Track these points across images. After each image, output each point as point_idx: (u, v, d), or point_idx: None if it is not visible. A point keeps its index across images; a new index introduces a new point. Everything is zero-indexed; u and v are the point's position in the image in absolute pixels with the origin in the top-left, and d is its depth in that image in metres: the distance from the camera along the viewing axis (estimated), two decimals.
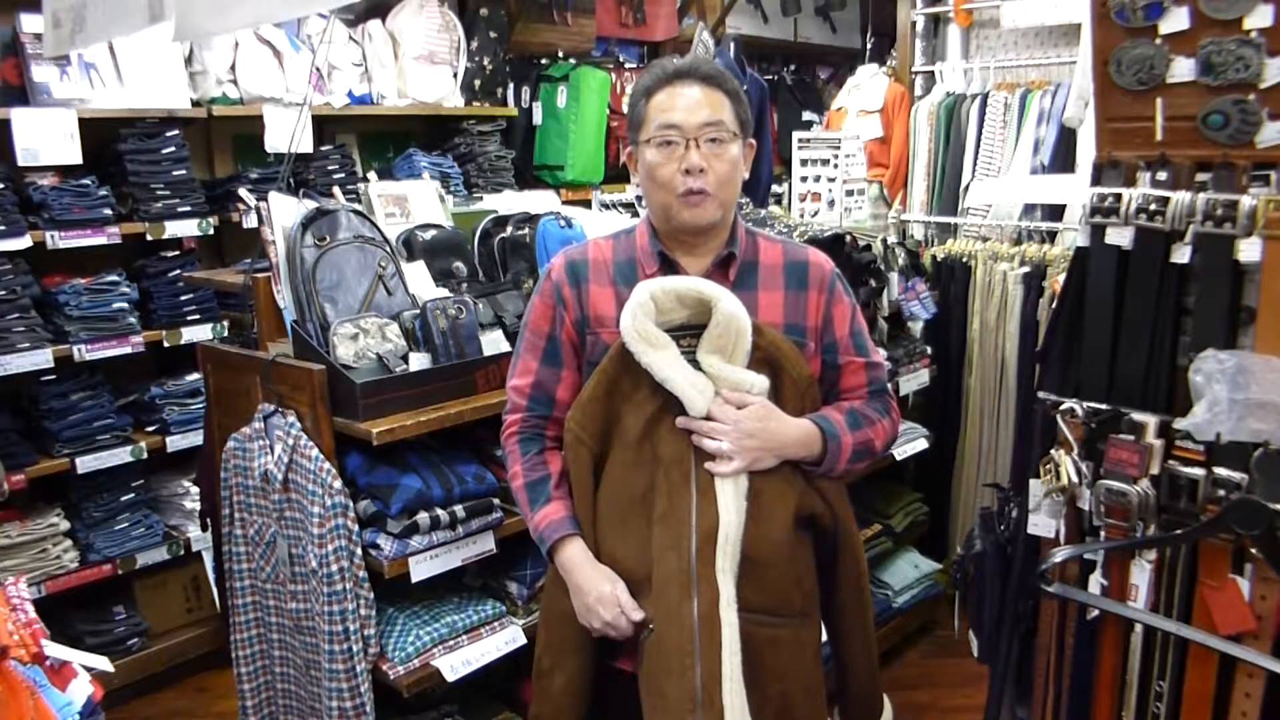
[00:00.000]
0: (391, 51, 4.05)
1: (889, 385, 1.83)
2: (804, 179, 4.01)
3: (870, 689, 1.82)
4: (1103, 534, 1.82)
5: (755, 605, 1.58)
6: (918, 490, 3.66)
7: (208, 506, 2.63)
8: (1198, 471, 1.69)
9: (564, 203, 3.32)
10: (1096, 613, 1.86)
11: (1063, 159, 3.88)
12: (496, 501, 2.29)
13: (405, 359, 2.22)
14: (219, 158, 3.81)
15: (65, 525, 3.17)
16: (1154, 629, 1.79)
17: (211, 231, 3.47)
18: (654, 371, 1.57)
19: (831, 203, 3.96)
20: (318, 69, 3.74)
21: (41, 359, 3.07)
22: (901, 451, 3.22)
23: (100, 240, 3.19)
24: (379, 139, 4.29)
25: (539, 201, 3.03)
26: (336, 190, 2.62)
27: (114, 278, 3.27)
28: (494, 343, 2.35)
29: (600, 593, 1.60)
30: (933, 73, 4.62)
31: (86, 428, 3.20)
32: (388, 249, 2.36)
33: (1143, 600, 1.78)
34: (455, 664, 2.21)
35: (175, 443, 3.37)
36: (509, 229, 2.66)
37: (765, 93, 5.26)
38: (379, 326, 2.22)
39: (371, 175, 2.85)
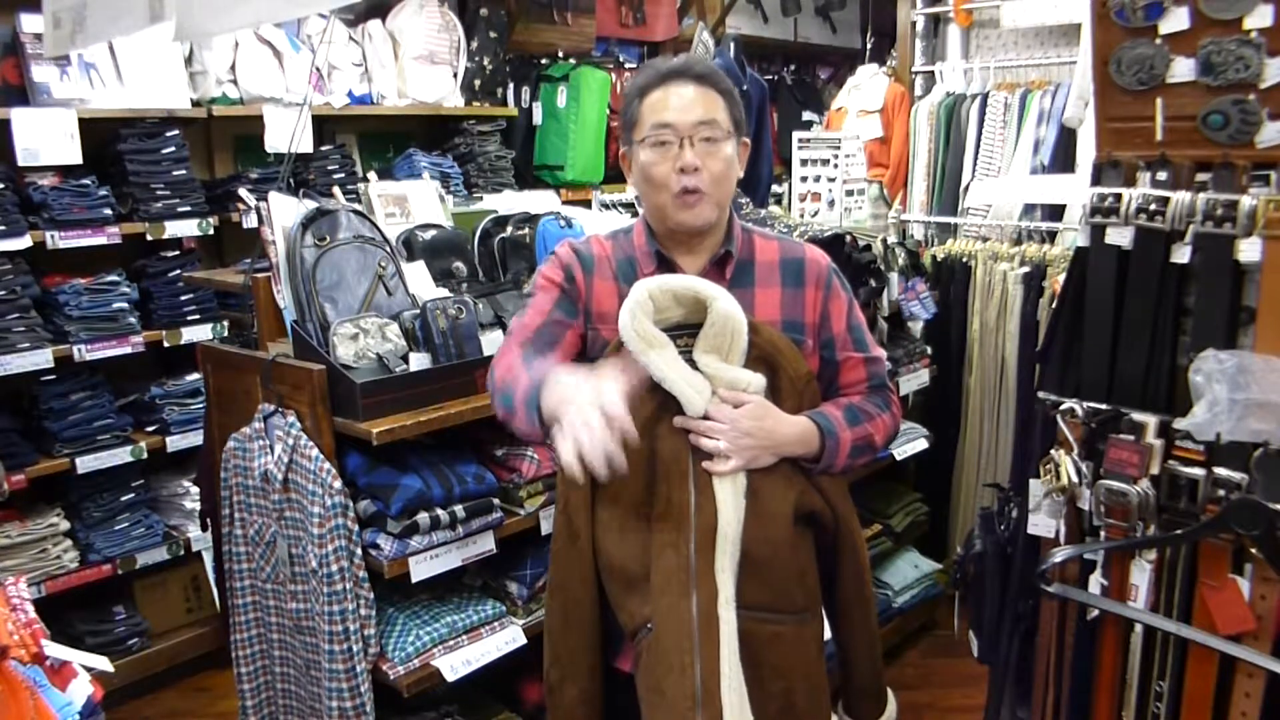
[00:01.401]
0: (391, 51, 4.05)
1: (889, 379, 1.83)
2: (804, 179, 4.01)
3: (874, 683, 1.82)
4: (1103, 534, 1.82)
5: (756, 602, 1.58)
6: (918, 490, 3.66)
7: (208, 506, 2.63)
8: (1198, 471, 1.69)
9: (564, 203, 3.32)
10: (1096, 613, 1.86)
11: (1063, 159, 3.88)
12: (496, 501, 2.29)
13: (405, 359, 2.22)
14: (219, 158, 3.81)
15: (65, 525, 3.17)
16: (1154, 629, 1.79)
17: (211, 231, 3.47)
18: (652, 371, 1.57)
19: (831, 203, 3.96)
20: (318, 69, 3.74)
21: (41, 359, 3.07)
22: (901, 451, 3.22)
23: (100, 240, 3.19)
24: (379, 139, 4.29)
25: (539, 201, 3.03)
26: (336, 190, 2.62)
27: (114, 278, 3.27)
28: (494, 343, 2.35)
29: (595, 383, 1.43)
30: (933, 73, 4.62)
31: (86, 428, 3.20)
32: (388, 249, 2.36)
33: (1143, 600, 1.78)
34: (455, 664, 2.21)
35: (175, 443, 3.37)
36: (509, 229, 2.66)
37: (765, 93, 5.25)
38: (379, 326, 2.22)
39: (371, 175, 2.85)
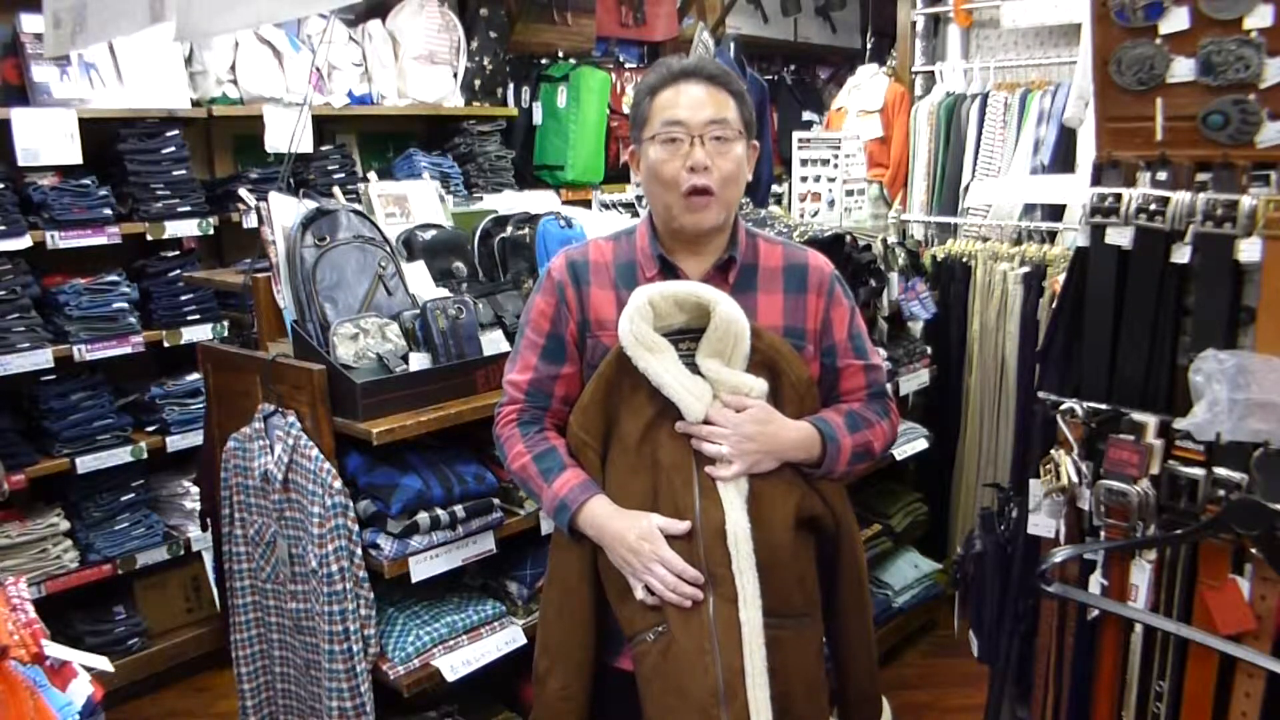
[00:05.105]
0: (391, 51, 4.05)
1: (888, 387, 1.83)
2: (804, 179, 4.01)
3: (869, 690, 1.82)
4: (1103, 534, 1.82)
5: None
6: (918, 490, 3.66)
7: (208, 506, 2.63)
8: (1198, 471, 1.69)
9: (564, 203, 3.32)
10: (1096, 613, 1.86)
11: (1063, 159, 3.88)
12: (496, 501, 2.29)
13: (405, 359, 2.22)
14: (219, 158, 3.81)
15: (65, 525, 3.17)
16: (1154, 629, 1.79)
17: (211, 231, 3.47)
18: (650, 376, 1.57)
19: (831, 203, 3.96)
20: (318, 69, 3.74)
21: (41, 359, 3.07)
22: (901, 451, 3.22)
23: (100, 240, 3.19)
24: (379, 139, 4.29)
25: (539, 201, 3.03)
26: (336, 190, 2.62)
27: (114, 278, 3.27)
28: (494, 343, 2.36)
29: (641, 528, 1.56)
30: (933, 73, 4.62)
31: (86, 428, 3.20)
32: (388, 249, 2.36)
33: (1143, 600, 1.78)
34: (455, 664, 2.21)
35: (175, 443, 3.37)
36: (509, 229, 2.66)
37: (765, 93, 5.27)
38: (379, 326, 2.22)
39: (371, 175, 2.85)
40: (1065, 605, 1.92)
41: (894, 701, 1.92)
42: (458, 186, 4.05)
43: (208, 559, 3.47)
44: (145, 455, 3.33)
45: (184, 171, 3.39)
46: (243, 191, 2.98)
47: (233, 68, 3.57)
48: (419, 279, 2.43)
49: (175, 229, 3.35)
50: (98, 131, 3.23)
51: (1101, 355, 1.85)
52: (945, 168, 4.35)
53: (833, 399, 1.76)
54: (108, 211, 3.20)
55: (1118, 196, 1.80)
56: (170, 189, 3.36)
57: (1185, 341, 1.77)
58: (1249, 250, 1.66)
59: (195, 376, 3.42)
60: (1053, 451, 1.88)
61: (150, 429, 3.39)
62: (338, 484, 2.08)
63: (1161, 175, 1.79)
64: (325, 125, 3.98)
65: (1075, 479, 1.83)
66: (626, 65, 5.17)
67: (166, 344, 3.40)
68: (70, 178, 3.16)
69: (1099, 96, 1.89)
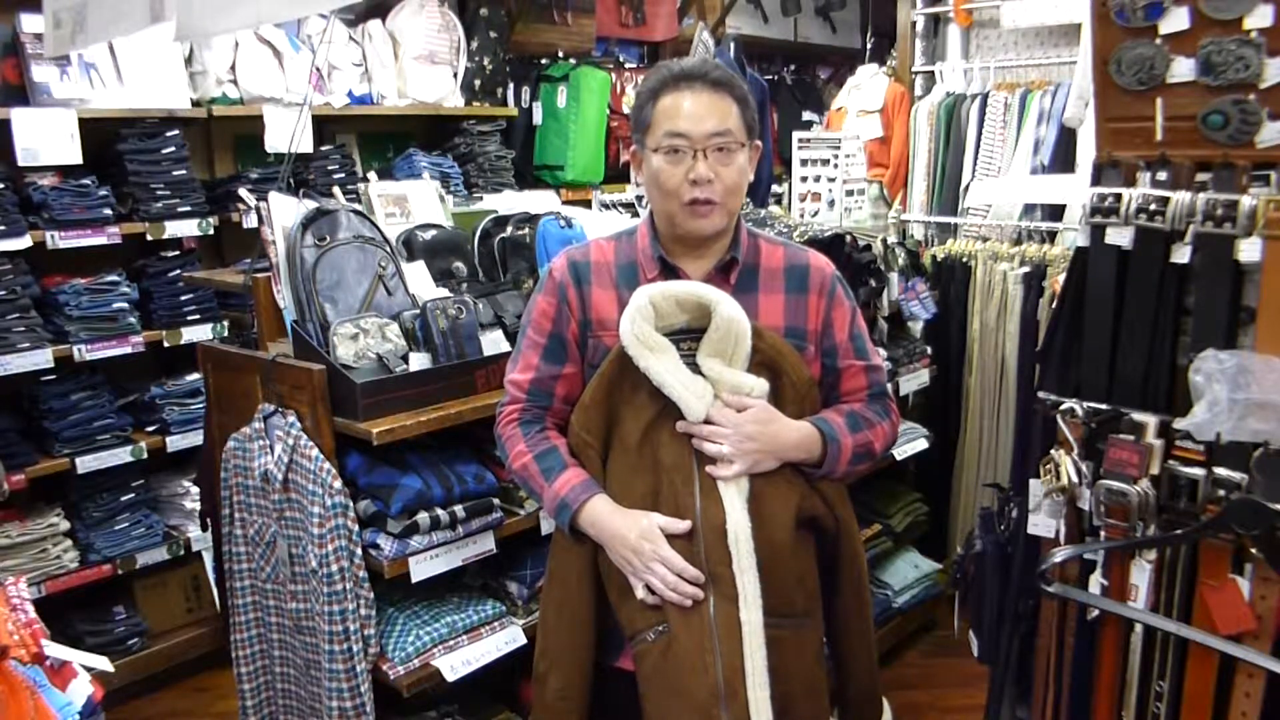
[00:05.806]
0: (391, 51, 4.05)
1: (888, 388, 1.83)
2: (804, 179, 4.01)
3: (870, 691, 1.82)
4: (1103, 534, 1.82)
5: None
6: (918, 490, 3.66)
7: (208, 506, 2.63)
8: (1198, 471, 1.69)
9: (564, 203, 3.32)
10: (1096, 613, 1.86)
11: (1063, 159, 3.88)
12: (496, 501, 2.29)
13: (405, 359, 2.22)
14: (219, 158, 3.81)
15: (65, 525, 3.17)
16: (1154, 629, 1.79)
17: (211, 231, 3.48)
18: (651, 376, 1.57)
19: (831, 203, 3.96)
20: (318, 69, 3.74)
21: (41, 359, 3.07)
22: (901, 451, 3.22)
23: (100, 240, 3.19)
24: (379, 139, 4.29)
25: (539, 201, 3.03)
26: (336, 190, 2.62)
27: (114, 278, 3.27)
28: (494, 343, 2.36)
29: (642, 527, 1.57)
30: (933, 73, 4.62)
31: (86, 428, 3.20)
32: (388, 249, 2.36)
33: (1143, 600, 1.78)
34: (455, 664, 2.21)
35: (175, 443, 3.37)
36: (509, 229, 2.66)
37: (765, 93, 5.27)
38: (379, 326, 2.22)
39: (371, 175, 2.85)
40: (1065, 605, 1.92)
41: (894, 701, 1.92)
42: (458, 186, 4.05)
43: (208, 559, 3.47)
44: (145, 455, 3.33)
45: (184, 171, 3.39)
46: (243, 191, 2.98)
47: (233, 68, 3.57)
48: (419, 279, 2.43)
49: (175, 229, 3.36)
50: (98, 131, 3.24)
51: (1101, 355, 1.85)
52: (945, 168, 4.35)
53: (833, 399, 1.76)
54: (108, 211, 3.20)
55: (1118, 196, 1.80)
56: (170, 189, 3.36)
57: (1185, 341, 1.77)
58: (1249, 250, 1.66)
59: (195, 376, 3.42)
60: (1053, 451, 1.88)
61: (150, 429, 3.39)
62: (338, 484, 2.08)
63: (1161, 175, 1.79)
64: (325, 125, 3.99)
65: (1075, 479, 1.83)
66: (626, 65, 5.17)
67: (166, 344, 3.40)
68: (70, 178, 3.16)
69: (1099, 96, 1.89)
